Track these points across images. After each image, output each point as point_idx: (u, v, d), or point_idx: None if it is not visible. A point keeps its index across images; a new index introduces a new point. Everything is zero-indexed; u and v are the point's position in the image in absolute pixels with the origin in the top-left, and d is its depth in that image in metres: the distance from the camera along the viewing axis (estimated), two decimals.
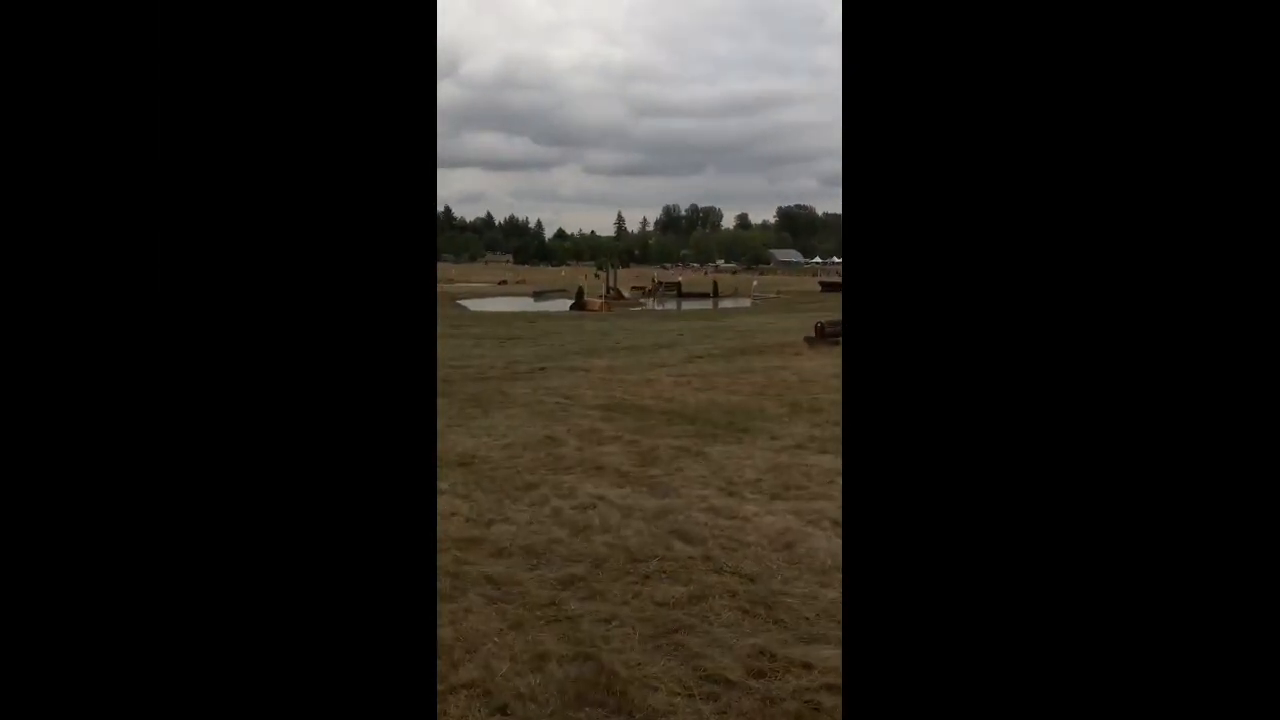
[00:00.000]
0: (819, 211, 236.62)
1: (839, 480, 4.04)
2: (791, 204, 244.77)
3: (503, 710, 3.43)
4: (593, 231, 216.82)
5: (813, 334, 17.42)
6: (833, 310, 32.96)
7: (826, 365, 13.97)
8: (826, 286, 59.69)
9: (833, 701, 3.43)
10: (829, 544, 5.21)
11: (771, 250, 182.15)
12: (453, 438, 8.16)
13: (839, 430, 5.40)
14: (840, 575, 3.22)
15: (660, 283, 58.61)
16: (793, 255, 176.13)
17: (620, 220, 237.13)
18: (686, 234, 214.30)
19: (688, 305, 44.82)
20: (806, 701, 3.47)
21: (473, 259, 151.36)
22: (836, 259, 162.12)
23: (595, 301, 41.50)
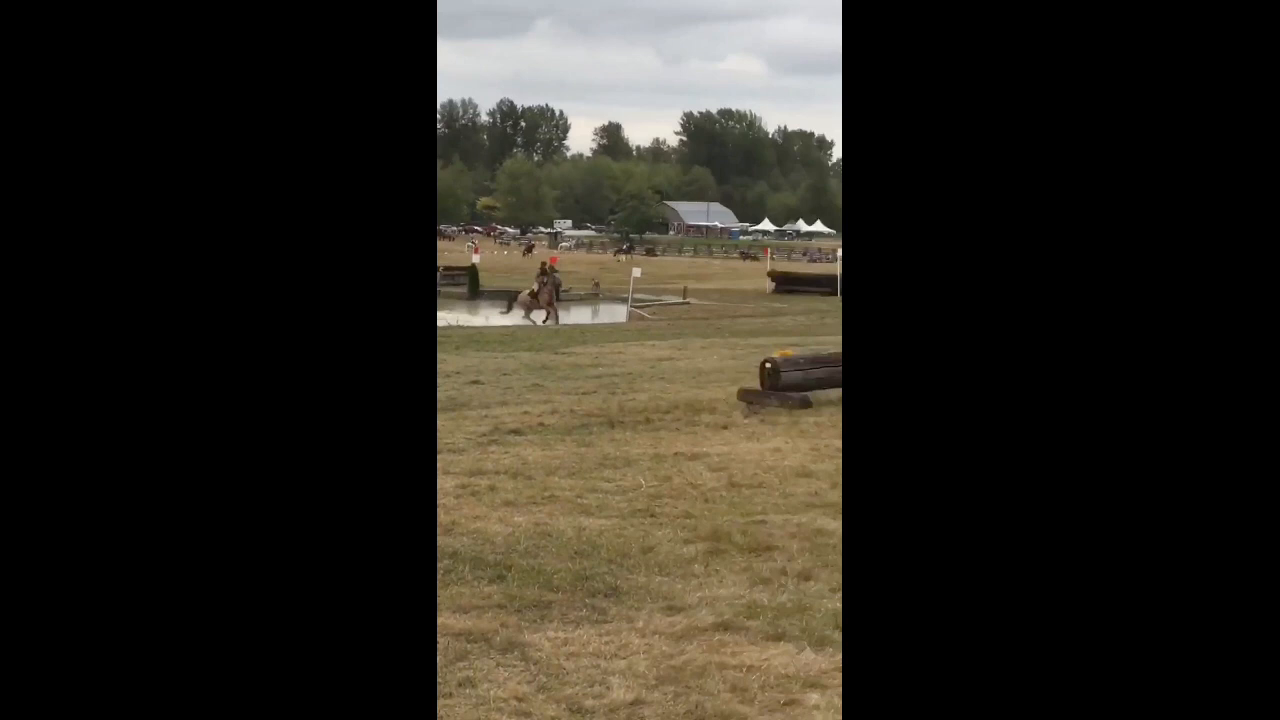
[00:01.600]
0: (769, 128, 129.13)
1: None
2: (712, 109, 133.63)
3: None
4: None
5: (759, 383, 9.43)
6: (804, 332, 17.38)
7: (786, 453, 7.50)
8: (782, 282, 34.34)
9: None
10: None
11: (671, 204, 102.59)
12: None
13: (813, 590, 4.06)
14: None
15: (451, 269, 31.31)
16: (715, 215, 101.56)
17: None
18: (490, 164, 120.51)
19: (500, 317, 24.78)
20: None
21: None
22: (804, 226, 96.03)
23: None
